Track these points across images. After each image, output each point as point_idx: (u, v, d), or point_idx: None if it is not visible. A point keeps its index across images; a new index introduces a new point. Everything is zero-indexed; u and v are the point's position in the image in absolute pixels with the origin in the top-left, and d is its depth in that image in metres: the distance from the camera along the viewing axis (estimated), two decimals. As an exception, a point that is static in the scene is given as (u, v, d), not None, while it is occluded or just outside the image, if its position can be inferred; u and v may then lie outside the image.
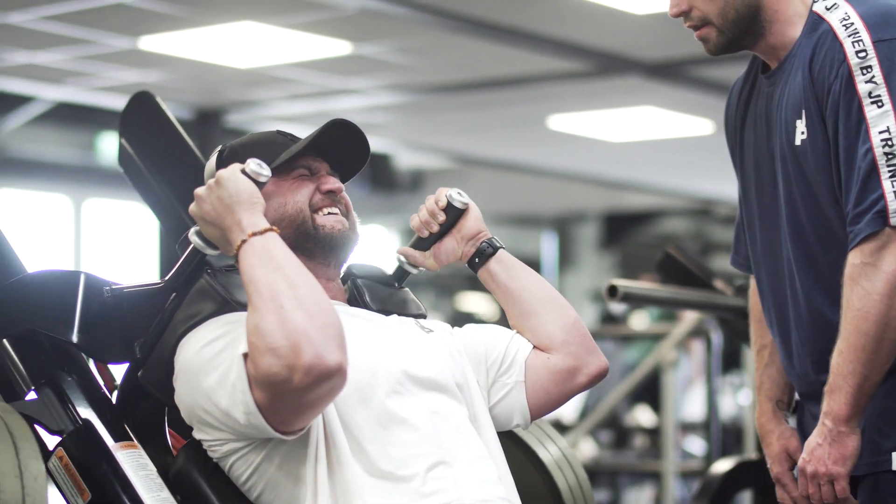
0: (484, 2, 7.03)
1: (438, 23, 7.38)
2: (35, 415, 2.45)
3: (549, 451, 2.90)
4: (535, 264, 16.94)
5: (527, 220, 16.56)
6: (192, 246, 2.36)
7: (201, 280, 2.40)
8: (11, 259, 2.64)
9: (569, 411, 9.60)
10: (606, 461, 8.53)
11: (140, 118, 3.24)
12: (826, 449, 2.46)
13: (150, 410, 2.53)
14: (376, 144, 12.13)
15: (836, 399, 2.44)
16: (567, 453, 2.91)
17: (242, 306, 2.27)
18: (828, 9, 2.51)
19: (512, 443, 2.79)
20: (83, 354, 2.54)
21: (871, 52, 2.42)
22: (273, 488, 2.30)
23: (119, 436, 2.46)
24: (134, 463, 2.40)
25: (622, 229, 16.11)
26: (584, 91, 9.20)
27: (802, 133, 2.51)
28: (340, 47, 7.99)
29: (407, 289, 2.69)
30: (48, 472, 2.41)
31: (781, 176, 2.57)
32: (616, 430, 8.66)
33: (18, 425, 2.23)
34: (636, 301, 4.20)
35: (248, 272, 2.19)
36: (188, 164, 3.14)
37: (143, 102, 3.27)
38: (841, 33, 2.46)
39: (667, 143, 11.06)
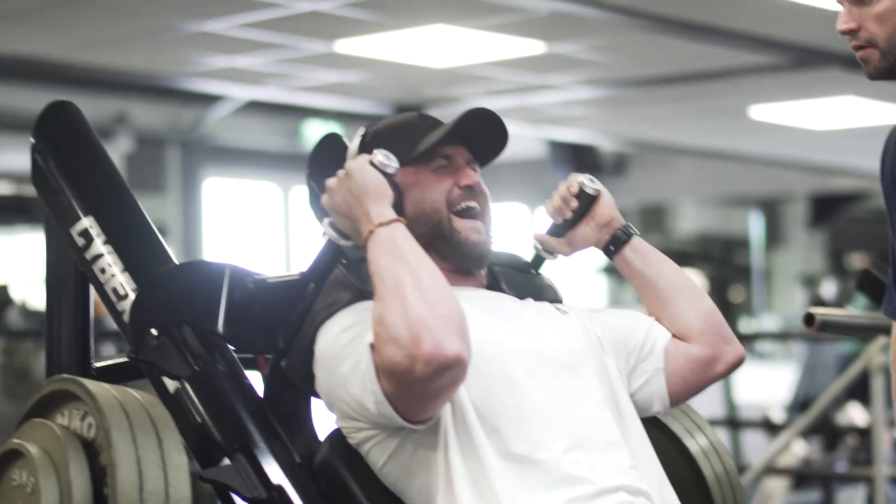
0: (679, 2, 6.97)
1: (631, 23, 7.34)
2: (230, 482, 2.47)
3: (697, 440, 2.84)
4: (743, 243, 16.80)
5: (734, 200, 16.36)
6: (327, 237, 2.38)
7: (336, 271, 2.43)
8: (160, 250, 2.68)
9: (777, 410, 9.45)
10: (817, 464, 8.39)
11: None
12: None
13: (294, 399, 2.56)
14: (577, 136, 12.13)
15: None
16: (714, 442, 2.84)
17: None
18: None
19: (658, 430, 2.75)
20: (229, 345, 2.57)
21: None
22: (408, 475, 2.32)
23: (309, 500, 2.46)
24: None
25: (830, 208, 15.80)
26: (784, 83, 9.05)
27: None
28: (534, 47, 8.00)
29: (544, 274, 2.69)
30: None
31: None
32: (827, 431, 8.48)
33: (162, 415, 2.27)
34: (836, 330, 4.05)
35: (373, 262, 2.22)
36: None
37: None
38: None
39: (868, 130, 10.81)
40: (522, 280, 2.63)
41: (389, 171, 2.31)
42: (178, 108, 11.64)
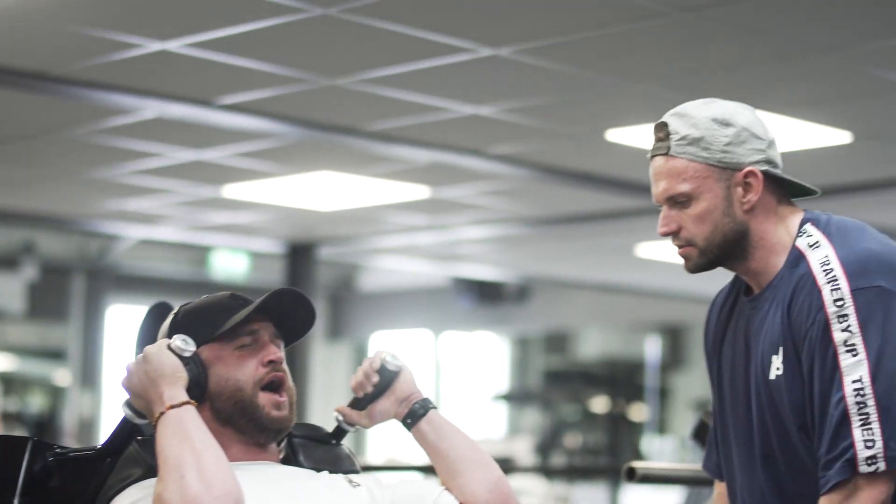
0: (560, 153, 7.18)
1: (514, 172, 7.53)
2: None
3: None
4: (637, 364, 16.97)
5: (635, 326, 16.59)
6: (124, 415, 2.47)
7: (130, 447, 2.51)
8: None
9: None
10: None
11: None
12: None
13: None
14: (476, 271, 12.31)
15: None
16: None
17: None
18: (810, 246, 2.54)
19: None
20: None
21: (849, 301, 2.44)
22: None
23: None
24: None
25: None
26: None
27: (778, 369, 2.53)
28: (419, 192, 8.19)
29: (343, 445, 2.77)
30: None
31: (755, 402, 2.59)
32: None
33: None
34: (657, 482, 4.22)
35: (160, 443, 2.32)
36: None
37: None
38: (820, 279, 2.48)
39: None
40: (321, 452, 2.72)
41: (186, 354, 2.43)
42: (86, 238, 11.74)
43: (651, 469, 4.06)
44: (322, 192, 8.26)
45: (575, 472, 12.38)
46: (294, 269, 10.36)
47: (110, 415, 12.94)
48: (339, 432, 2.75)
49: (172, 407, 2.36)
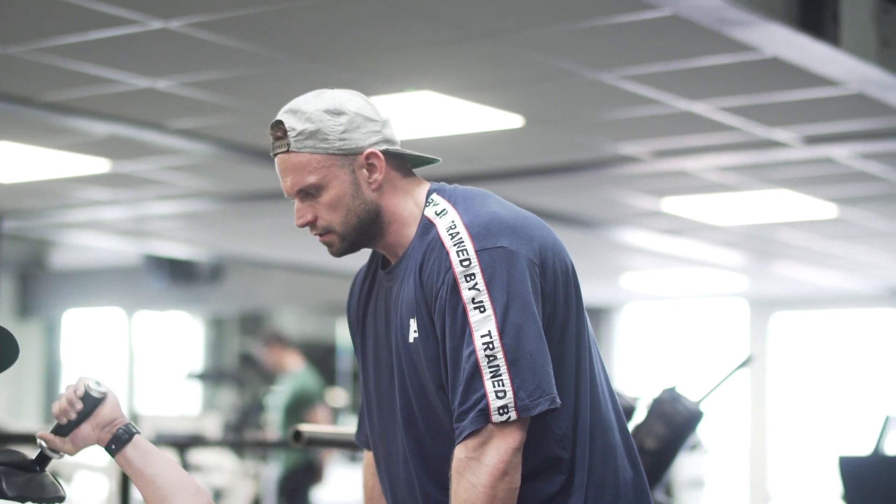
0: (235, 127, 7.20)
1: (196, 147, 7.53)
2: None
3: None
4: (332, 347, 17.09)
5: (332, 308, 16.69)
6: None
7: None
8: None
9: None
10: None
11: None
12: None
13: None
14: (170, 249, 12.22)
15: None
16: None
17: None
18: (437, 214, 2.66)
19: None
20: None
21: (475, 261, 2.56)
22: None
23: None
24: None
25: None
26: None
27: (415, 332, 2.64)
28: (100, 165, 8.11)
29: (46, 473, 2.73)
30: None
31: (396, 368, 2.70)
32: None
33: None
34: (323, 445, 4.32)
35: None
36: None
37: None
38: (447, 242, 2.60)
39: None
40: (23, 480, 2.68)
41: None
42: None
43: (316, 432, 4.15)
44: (2, 163, 8.10)
45: (266, 448, 12.43)
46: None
47: None
48: (43, 459, 2.73)
49: None
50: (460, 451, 2.56)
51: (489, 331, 2.54)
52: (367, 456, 2.97)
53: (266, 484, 10.06)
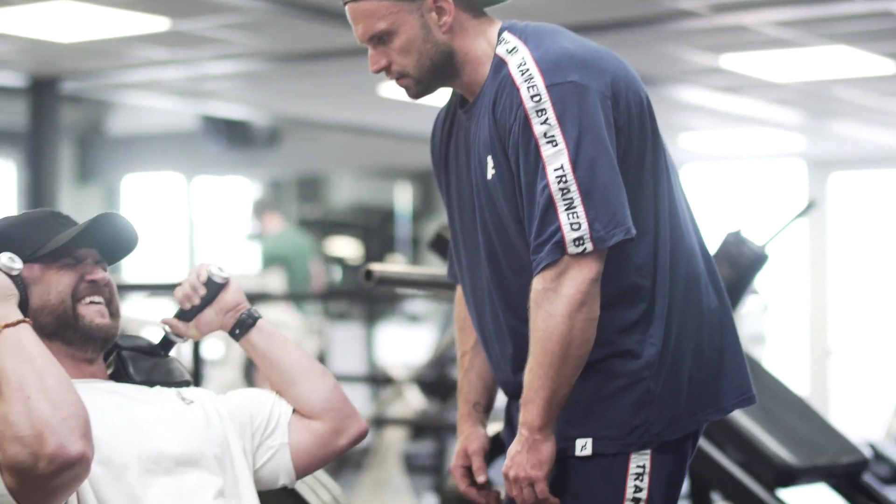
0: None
1: (257, 5, 7.53)
2: None
3: (321, 498, 3.08)
4: (390, 213, 17.15)
5: (386, 172, 16.74)
6: None
7: None
8: None
9: (400, 368, 9.91)
10: (432, 415, 8.82)
11: None
12: (524, 455, 2.65)
13: None
14: (226, 110, 12.27)
15: (529, 411, 2.63)
16: (338, 497, 3.09)
17: None
18: (508, 52, 2.70)
19: (285, 494, 2.93)
20: None
21: (545, 96, 2.60)
22: None
23: None
24: None
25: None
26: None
27: (492, 169, 2.71)
28: (160, 23, 8.11)
29: (172, 357, 2.80)
30: None
31: (477, 205, 2.77)
32: (441, 385, 8.93)
33: None
34: (392, 284, 4.35)
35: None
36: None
37: None
38: (518, 79, 2.64)
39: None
40: (150, 364, 2.73)
41: (14, 273, 2.42)
42: None
43: (388, 271, 4.18)
44: (62, 21, 8.11)
45: (330, 312, 12.57)
46: (38, 105, 10.16)
47: None
48: (167, 343, 2.79)
49: (7, 326, 2.35)
50: (538, 283, 2.61)
51: (562, 164, 2.58)
52: (458, 290, 3.03)
53: (330, 339, 10.22)
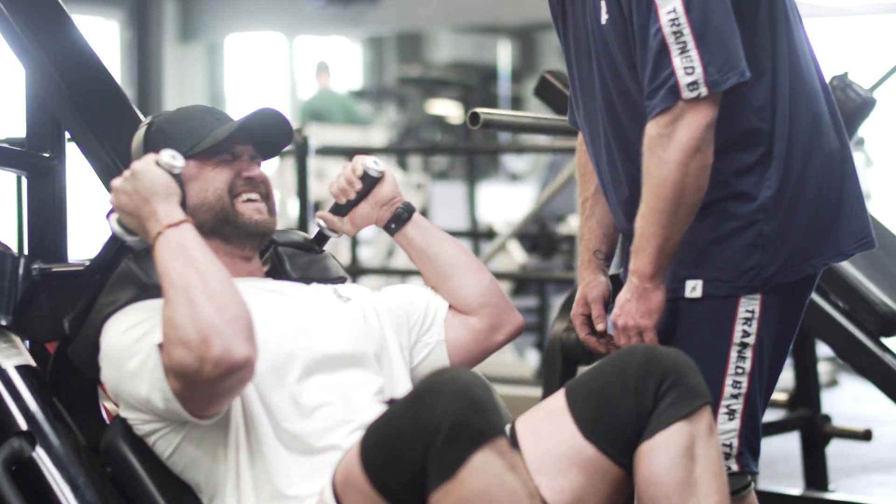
0: None
1: None
2: None
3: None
4: (492, 71, 17.08)
5: (487, 29, 16.63)
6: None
7: (123, 264, 2.44)
8: None
9: (500, 224, 9.97)
10: (534, 270, 8.90)
11: None
12: (634, 304, 2.62)
13: (82, 385, 2.60)
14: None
15: (640, 258, 2.60)
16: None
17: (162, 291, 2.29)
18: None
19: None
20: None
21: None
22: (194, 465, 2.40)
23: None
24: None
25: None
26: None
27: (606, 14, 2.65)
28: None
29: (327, 252, 2.79)
30: None
31: (593, 51, 2.72)
32: (545, 240, 8.96)
33: None
34: (497, 128, 4.31)
35: (162, 264, 2.26)
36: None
37: None
38: None
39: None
40: (307, 260, 2.72)
41: (176, 171, 2.34)
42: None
43: (493, 114, 4.16)
44: None
45: (431, 171, 12.63)
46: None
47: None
48: (322, 238, 2.78)
49: (170, 226, 2.29)
50: (651, 128, 2.57)
51: (674, 7, 2.53)
52: (580, 136, 2.99)
53: (431, 196, 10.29)
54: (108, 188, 3.04)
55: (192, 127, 2.59)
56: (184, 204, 2.36)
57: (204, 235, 2.37)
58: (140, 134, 2.63)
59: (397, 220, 2.71)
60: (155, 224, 2.29)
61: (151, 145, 2.55)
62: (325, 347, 2.48)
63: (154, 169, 2.33)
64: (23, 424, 2.46)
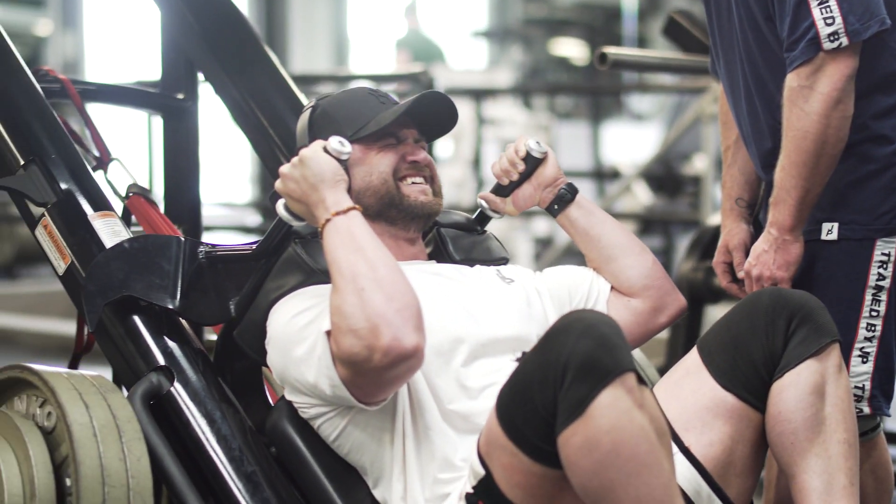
0: None
1: None
2: (22, 188, 2.63)
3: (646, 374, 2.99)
4: (616, 10, 16.94)
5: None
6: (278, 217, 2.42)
7: (289, 249, 2.47)
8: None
9: (628, 165, 9.94)
10: (659, 210, 8.87)
11: None
12: (771, 255, 2.63)
13: (247, 368, 2.64)
14: None
15: (780, 210, 2.60)
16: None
17: (328, 276, 2.29)
18: None
19: None
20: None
21: None
22: (359, 449, 2.40)
23: (97, 206, 2.63)
24: (109, 230, 2.60)
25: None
26: None
27: None
28: None
29: (489, 233, 2.79)
30: (35, 239, 2.64)
31: (734, 2, 2.71)
32: (670, 180, 8.91)
33: (120, 404, 2.36)
34: (625, 67, 4.26)
35: (331, 252, 2.26)
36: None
37: None
38: None
39: None
40: (470, 242, 2.72)
41: (344, 157, 2.34)
42: None
43: (622, 55, 4.12)
44: None
45: (556, 110, 12.60)
46: None
47: (93, 55, 13.01)
48: (484, 219, 2.77)
49: (338, 213, 2.29)
50: (792, 80, 2.56)
51: None
52: (720, 85, 2.97)
53: (556, 136, 10.27)
54: (241, 127, 3.09)
55: (356, 110, 2.58)
56: (350, 189, 2.36)
57: (369, 218, 2.39)
58: (305, 117, 2.63)
59: (560, 202, 2.67)
60: (323, 211, 2.30)
61: (317, 128, 2.57)
62: (492, 331, 2.47)
63: (322, 156, 2.34)
64: (160, 360, 2.50)
